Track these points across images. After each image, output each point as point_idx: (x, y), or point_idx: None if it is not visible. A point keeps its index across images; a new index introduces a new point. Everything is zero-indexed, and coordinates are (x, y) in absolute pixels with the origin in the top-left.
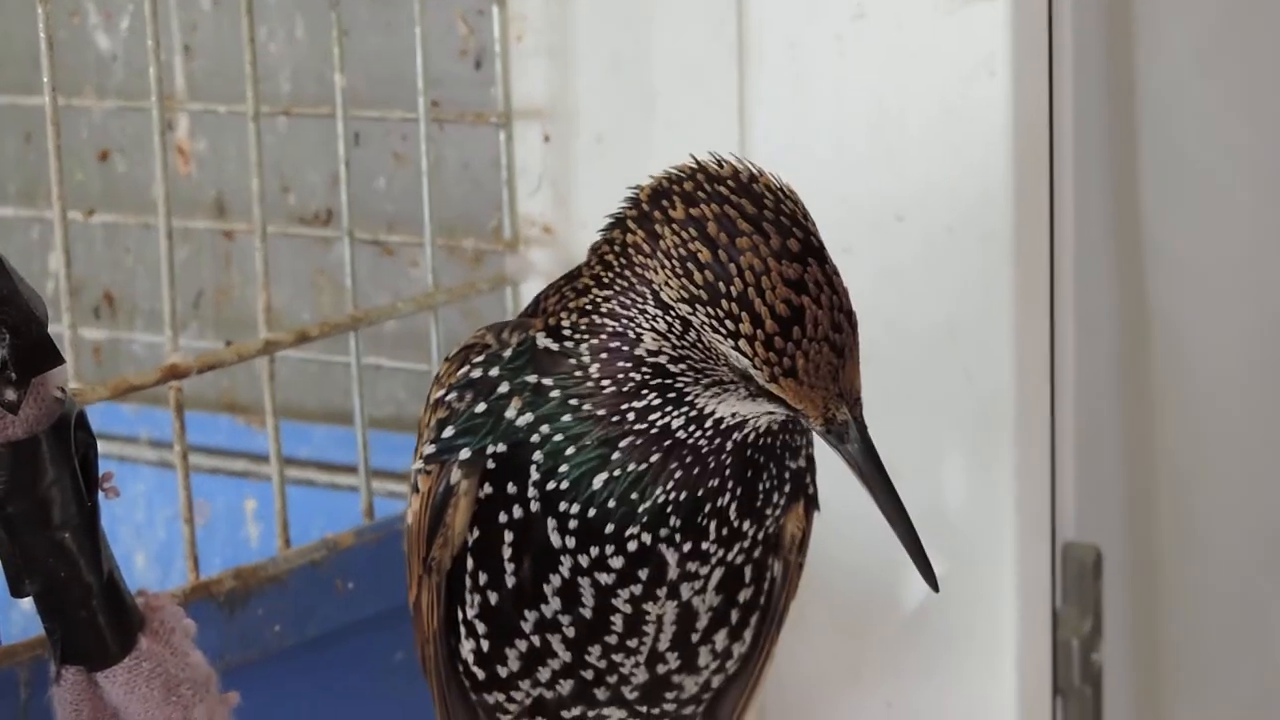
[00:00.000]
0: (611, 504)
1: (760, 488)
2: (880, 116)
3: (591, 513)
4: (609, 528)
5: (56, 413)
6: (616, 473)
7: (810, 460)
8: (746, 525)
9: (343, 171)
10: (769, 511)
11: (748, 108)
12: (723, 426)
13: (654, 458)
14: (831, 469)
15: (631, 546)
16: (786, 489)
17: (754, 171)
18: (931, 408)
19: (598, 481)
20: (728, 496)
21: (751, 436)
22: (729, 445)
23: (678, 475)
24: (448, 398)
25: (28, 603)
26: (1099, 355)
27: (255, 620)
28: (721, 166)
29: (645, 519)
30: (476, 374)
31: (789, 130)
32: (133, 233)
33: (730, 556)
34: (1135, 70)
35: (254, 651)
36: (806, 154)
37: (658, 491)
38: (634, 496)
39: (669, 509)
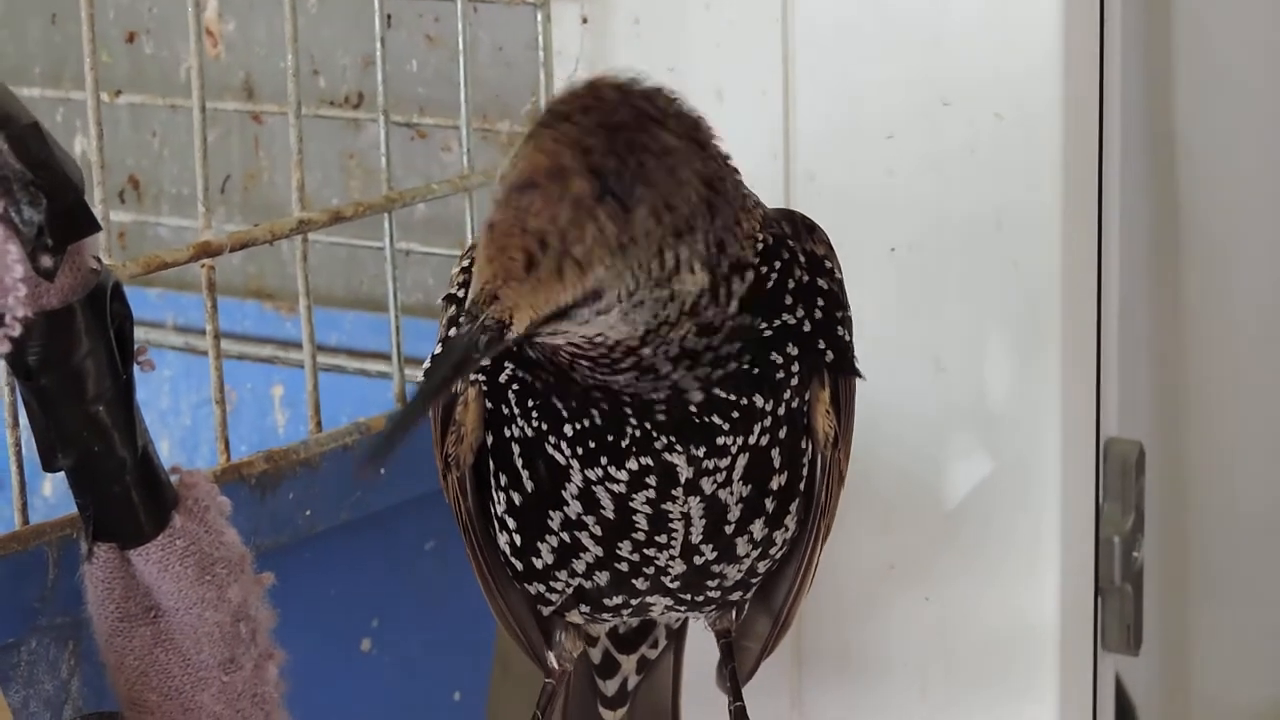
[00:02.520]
0: (592, 444)
1: (741, 366)
2: None
3: (579, 449)
4: (603, 457)
5: (92, 283)
6: (584, 424)
7: (822, 325)
8: (759, 400)
9: (379, 49)
10: (779, 376)
11: None
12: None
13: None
14: (878, 362)
15: (632, 465)
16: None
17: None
18: (977, 299)
19: (569, 429)
20: (704, 392)
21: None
22: (664, 350)
23: (636, 404)
24: (450, 304)
25: (56, 486)
26: (1134, 253)
27: (286, 504)
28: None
29: (634, 448)
30: (453, 289)
31: (833, 12)
32: (159, 114)
33: (754, 439)
34: None
35: (284, 535)
36: (851, 37)
37: (627, 429)
38: (610, 438)
39: (654, 432)
